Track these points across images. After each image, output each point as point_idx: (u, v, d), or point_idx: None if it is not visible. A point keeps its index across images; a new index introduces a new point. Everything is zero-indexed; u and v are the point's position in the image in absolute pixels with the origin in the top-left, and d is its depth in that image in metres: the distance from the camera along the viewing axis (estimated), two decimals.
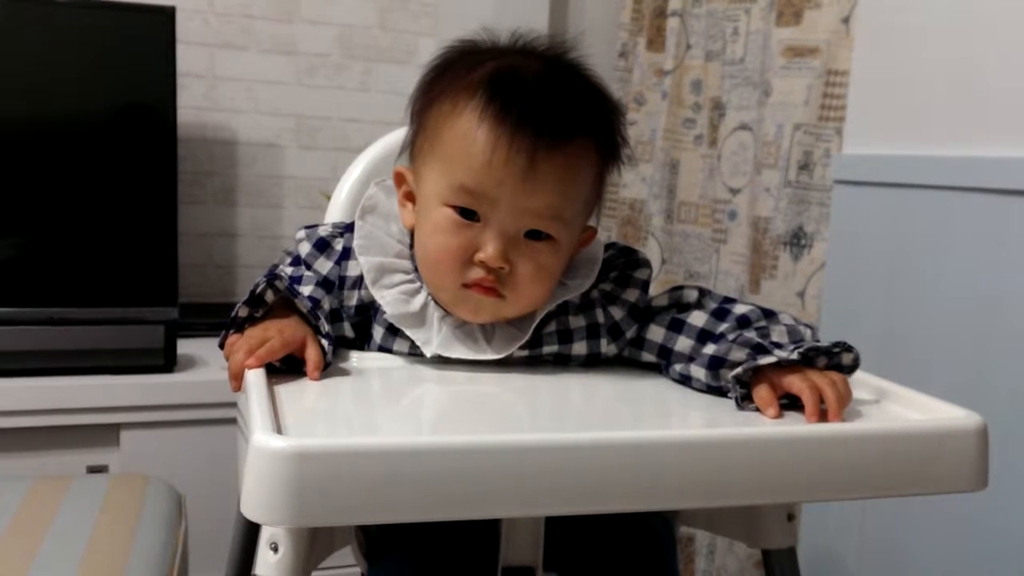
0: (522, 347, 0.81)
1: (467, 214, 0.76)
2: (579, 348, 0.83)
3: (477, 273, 0.77)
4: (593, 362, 0.84)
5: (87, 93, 1.68)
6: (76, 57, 1.66)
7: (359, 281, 0.82)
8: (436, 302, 0.81)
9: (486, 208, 0.76)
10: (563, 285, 0.82)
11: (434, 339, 0.80)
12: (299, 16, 2.04)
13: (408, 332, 0.80)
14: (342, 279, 0.83)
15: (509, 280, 0.77)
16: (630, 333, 0.84)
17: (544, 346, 0.82)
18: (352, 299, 0.83)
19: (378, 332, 0.83)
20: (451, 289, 0.78)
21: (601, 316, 0.83)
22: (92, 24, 1.66)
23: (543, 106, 0.75)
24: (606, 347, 0.83)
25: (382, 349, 0.83)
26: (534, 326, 0.80)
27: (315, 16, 2.05)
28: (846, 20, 1.48)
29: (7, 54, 1.61)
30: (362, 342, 0.85)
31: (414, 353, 0.82)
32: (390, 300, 0.80)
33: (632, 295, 0.84)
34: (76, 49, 1.66)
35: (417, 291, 0.82)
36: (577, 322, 0.82)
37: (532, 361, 0.82)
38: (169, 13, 1.66)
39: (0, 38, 1.61)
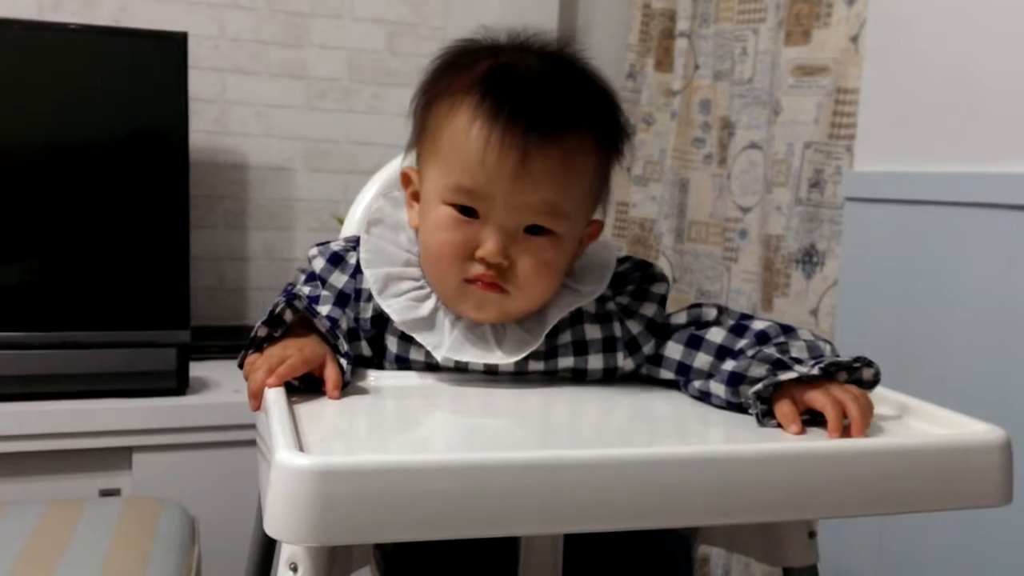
0: (536, 358, 0.80)
1: (467, 211, 0.77)
2: (595, 362, 0.82)
3: (478, 269, 0.77)
4: (610, 377, 0.84)
5: (100, 118, 1.69)
6: (89, 82, 1.67)
7: None
8: (446, 306, 0.81)
9: (484, 206, 0.77)
10: (575, 291, 0.82)
11: (445, 342, 0.80)
12: (308, 41, 2.05)
13: (417, 337, 0.80)
14: (358, 292, 0.84)
15: (511, 275, 0.78)
16: (647, 348, 0.83)
17: (559, 357, 0.82)
18: (367, 311, 0.83)
19: (392, 342, 0.83)
20: (453, 284, 0.79)
21: (619, 330, 0.83)
22: (105, 50, 1.67)
23: (535, 101, 0.75)
24: (623, 361, 0.83)
25: (398, 359, 0.83)
26: (547, 332, 0.80)
27: (324, 41, 2.06)
28: (855, 39, 1.48)
29: (20, 80, 1.62)
30: (379, 358, 0.85)
31: (430, 361, 0.81)
32: (397, 308, 0.81)
33: (650, 309, 0.83)
34: (89, 74, 1.67)
35: (426, 296, 0.82)
36: (593, 333, 0.82)
37: (548, 377, 0.82)
38: (181, 39, 1.67)
39: (13, 64, 1.62)
